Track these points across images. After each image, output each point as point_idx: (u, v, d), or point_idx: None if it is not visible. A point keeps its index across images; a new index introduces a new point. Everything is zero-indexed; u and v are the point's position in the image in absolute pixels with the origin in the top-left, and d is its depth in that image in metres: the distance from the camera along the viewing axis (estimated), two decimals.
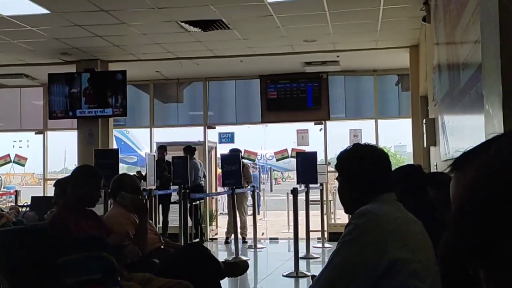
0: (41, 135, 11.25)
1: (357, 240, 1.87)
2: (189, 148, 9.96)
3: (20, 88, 11.26)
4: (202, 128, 11.09)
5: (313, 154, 8.83)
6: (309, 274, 7.07)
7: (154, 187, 8.84)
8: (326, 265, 1.92)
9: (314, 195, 9.33)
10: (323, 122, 10.72)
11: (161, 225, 9.47)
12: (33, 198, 9.66)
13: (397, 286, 1.84)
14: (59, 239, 3.34)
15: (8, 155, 12.14)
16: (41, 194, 10.90)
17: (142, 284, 3.52)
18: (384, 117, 10.69)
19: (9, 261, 3.00)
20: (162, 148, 9.95)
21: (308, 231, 8.32)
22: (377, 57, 9.43)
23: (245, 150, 11.02)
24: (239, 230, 9.20)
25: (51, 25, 7.35)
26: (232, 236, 9.07)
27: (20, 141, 17.83)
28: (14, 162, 12.00)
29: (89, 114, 9.32)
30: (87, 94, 9.26)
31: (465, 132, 3.70)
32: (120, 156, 8.87)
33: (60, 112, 9.42)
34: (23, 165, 12.42)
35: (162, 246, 4.32)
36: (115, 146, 9.98)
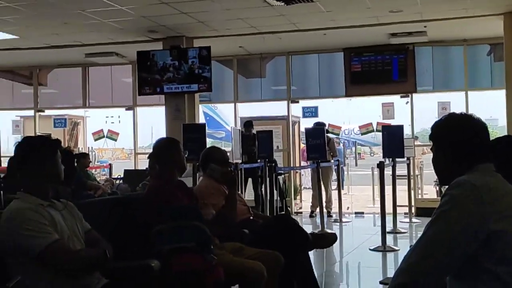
0: (131, 111, 11.71)
1: (454, 210, 1.82)
2: (247, 123, 10.04)
3: (111, 66, 11.74)
4: (285, 102, 11.11)
5: (400, 128, 8.62)
6: (396, 248, 6.99)
7: (240, 161, 9.00)
8: (421, 236, 1.89)
9: (400, 169, 9.15)
10: (410, 95, 10.44)
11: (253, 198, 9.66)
12: (125, 171, 10.16)
13: (497, 258, 1.78)
14: (155, 208, 3.48)
15: (102, 130, 12.75)
16: (132, 168, 11.41)
17: (233, 253, 3.61)
18: (474, 88, 10.25)
19: (109, 228, 3.16)
20: (248, 123, 10.06)
21: (395, 205, 8.19)
22: (468, 26, 9.00)
23: (329, 124, 10.92)
24: (324, 204, 9.20)
25: (138, 3, 7.57)
26: (317, 210, 9.08)
27: (112, 116, 18.70)
28: (107, 137, 12.59)
29: (175, 90, 9.58)
30: (173, 70, 9.51)
31: None
32: (208, 131, 9.06)
33: (148, 88, 9.74)
34: (116, 140, 13.00)
35: (251, 217, 4.41)
36: (201, 121, 10.20)
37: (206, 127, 9.12)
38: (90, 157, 10.27)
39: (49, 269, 2.56)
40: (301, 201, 11.45)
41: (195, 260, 3.13)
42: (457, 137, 2.01)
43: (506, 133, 8.69)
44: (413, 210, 9.65)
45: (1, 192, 6.46)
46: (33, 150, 2.72)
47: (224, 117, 20.13)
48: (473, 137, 2.00)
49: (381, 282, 3.92)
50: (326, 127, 10.36)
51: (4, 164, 9.10)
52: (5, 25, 8.48)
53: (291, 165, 10.78)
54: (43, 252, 2.50)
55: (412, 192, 9.93)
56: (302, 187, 12.42)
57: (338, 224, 9.29)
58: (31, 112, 12.40)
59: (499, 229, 1.77)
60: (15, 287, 2.13)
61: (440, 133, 2.09)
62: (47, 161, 2.70)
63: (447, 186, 1.95)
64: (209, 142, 12.45)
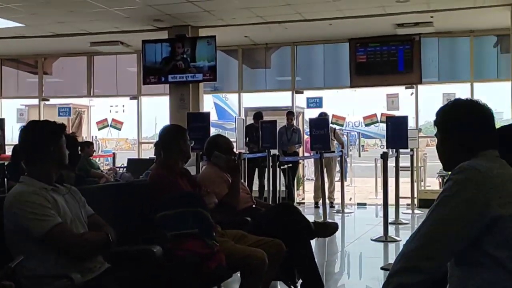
0: (136, 101, 11.71)
1: (457, 195, 1.82)
2: (257, 115, 10.05)
3: (116, 55, 11.73)
4: (290, 93, 11.10)
5: (404, 119, 8.58)
6: (398, 238, 7.00)
7: (243, 150, 9.00)
8: (424, 221, 1.89)
9: (404, 161, 9.13)
10: (415, 86, 10.41)
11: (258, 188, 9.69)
12: (129, 160, 10.17)
13: (500, 243, 1.78)
14: (158, 195, 3.49)
15: (106, 119, 12.76)
16: (136, 157, 11.43)
17: (235, 240, 3.62)
18: (480, 80, 10.21)
19: (113, 213, 3.18)
20: (258, 115, 10.06)
21: (397, 197, 8.18)
22: (475, 16, 8.95)
23: (333, 114, 10.90)
24: (327, 195, 9.20)
25: None
26: (320, 200, 9.08)
27: (116, 106, 18.68)
28: (111, 126, 12.59)
29: (180, 79, 9.58)
30: (179, 59, 9.50)
31: None
32: (218, 122, 9.05)
33: (153, 77, 9.74)
34: (120, 129, 13.00)
35: (254, 205, 4.42)
36: (206, 110, 10.20)
37: (217, 117, 9.14)
38: (94, 146, 10.28)
39: (52, 251, 2.57)
40: (303, 192, 11.45)
41: (197, 246, 3.14)
42: (462, 123, 2.01)
43: None
44: (415, 201, 9.64)
45: (6, 179, 6.50)
46: (38, 134, 2.73)
47: (234, 108, 20.04)
48: (479, 123, 2.00)
49: (382, 268, 3.91)
50: (330, 118, 10.34)
51: (9, 152, 9.12)
52: (11, 12, 8.48)
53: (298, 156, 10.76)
54: (46, 235, 2.52)
55: (415, 183, 9.92)
56: (305, 178, 12.41)
57: (340, 214, 9.29)
58: (35, 101, 12.43)
59: (502, 214, 1.77)
60: (18, 267, 2.13)
61: (445, 119, 2.08)
62: (51, 145, 2.71)
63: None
64: (219, 133, 12.42)
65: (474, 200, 1.79)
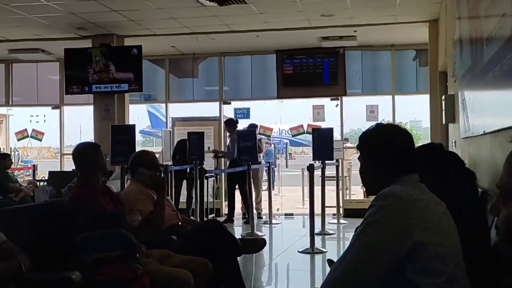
0: (58, 110, 11.29)
1: (379, 222, 1.84)
2: (230, 122, 9.93)
3: (37, 63, 11.29)
4: (217, 103, 11.06)
5: (329, 131, 8.74)
6: (324, 250, 7.09)
7: (170, 163, 8.86)
8: (348, 247, 1.90)
9: (329, 171, 9.30)
10: (340, 98, 10.63)
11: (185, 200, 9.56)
12: (50, 172, 9.77)
13: (420, 268, 1.80)
14: (78, 216, 3.35)
15: (26, 129, 12.23)
16: (58, 169, 11.01)
17: (161, 261, 3.54)
18: (401, 92, 10.57)
19: (29, 237, 3.01)
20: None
21: (323, 207, 8.31)
22: (395, 31, 9.27)
23: (260, 125, 10.96)
24: (254, 205, 9.21)
25: None
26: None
27: (37, 115, 17.97)
28: (31, 137, 12.09)
29: (105, 89, 9.33)
30: (103, 69, 9.25)
31: (488, 109, 3.62)
32: (152, 130, 8.85)
33: (76, 87, 9.44)
34: (40, 140, 12.50)
35: (180, 223, 4.33)
36: (132, 122, 9.98)
37: (150, 126, 8.96)
38: (13, 158, 9.83)
39: None
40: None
41: (120, 269, 3.02)
42: (381, 148, 2.04)
43: (429, 135, 9.00)
44: (341, 211, 9.83)
45: None
46: None
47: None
48: (399, 148, 2.03)
49: None
50: (258, 129, 10.38)
51: None
52: None
53: (222, 167, 10.72)
54: None
55: (340, 193, 10.11)
56: None
57: (268, 226, 9.33)
58: None
59: (422, 240, 1.80)
60: None
61: (366, 144, 2.11)
62: None
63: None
64: (151, 140, 12.19)
65: (396, 226, 1.82)
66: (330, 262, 2.31)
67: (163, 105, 11.59)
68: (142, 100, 11.68)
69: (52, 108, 11.36)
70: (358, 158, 2.17)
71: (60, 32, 9.09)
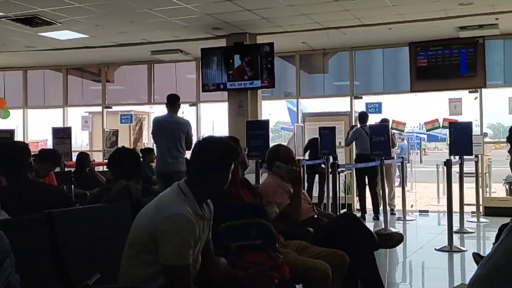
0: (195, 107, 11.87)
1: None
2: (363, 114, 9.95)
3: (175, 63, 11.95)
4: (348, 98, 10.98)
5: (468, 124, 8.30)
6: (463, 249, 6.78)
7: (302, 157, 8.96)
8: (496, 246, 1.81)
9: (467, 166, 8.86)
10: (478, 90, 10.09)
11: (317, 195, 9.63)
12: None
13: None
14: (219, 206, 3.50)
15: None
16: None
17: (298, 252, 3.60)
18: None
19: None
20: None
21: (462, 204, 7.94)
22: None
23: (393, 120, 10.72)
24: (387, 202, 9.04)
25: (203, 1, 7.66)
26: (381, 207, 8.93)
27: None
28: None
29: (238, 86, 9.65)
30: (237, 67, 9.57)
31: None
32: (291, 126, 8.96)
33: (212, 85, 9.86)
34: None
35: (316, 216, 4.38)
36: (264, 118, 10.22)
37: (290, 121, 9.14)
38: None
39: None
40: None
41: (261, 258, 3.13)
42: None
43: None
44: (481, 209, 9.33)
45: (72, 186, 6.70)
46: None
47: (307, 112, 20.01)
48: None
49: None
50: (391, 124, 10.16)
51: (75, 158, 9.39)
52: (76, 25, 8.79)
53: (353, 162, 10.61)
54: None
55: (480, 190, 9.60)
56: None
57: (401, 222, 9.11)
58: (99, 108, 12.79)
59: None
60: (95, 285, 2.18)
61: None
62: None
63: None
64: (283, 137, 12.41)
65: None
66: (477, 255, 2.23)
67: (303, 101, 11.77)
68: (275, 96, 11.90)
69: (190, 105, 11.96)
70: (509, 151, 2.07)
71: (197, 33, 9.55)
